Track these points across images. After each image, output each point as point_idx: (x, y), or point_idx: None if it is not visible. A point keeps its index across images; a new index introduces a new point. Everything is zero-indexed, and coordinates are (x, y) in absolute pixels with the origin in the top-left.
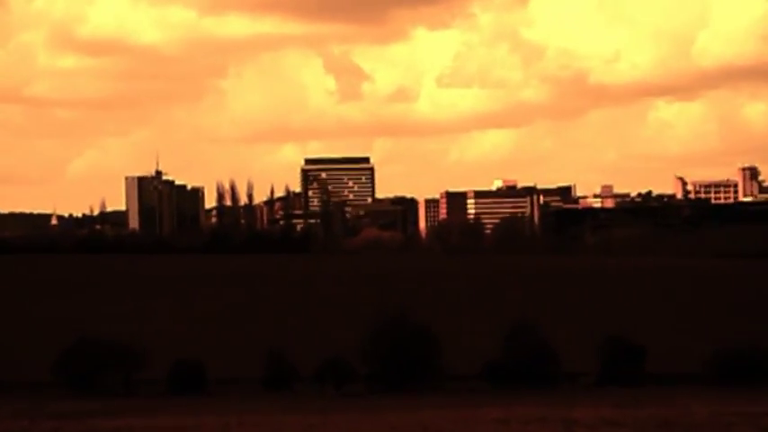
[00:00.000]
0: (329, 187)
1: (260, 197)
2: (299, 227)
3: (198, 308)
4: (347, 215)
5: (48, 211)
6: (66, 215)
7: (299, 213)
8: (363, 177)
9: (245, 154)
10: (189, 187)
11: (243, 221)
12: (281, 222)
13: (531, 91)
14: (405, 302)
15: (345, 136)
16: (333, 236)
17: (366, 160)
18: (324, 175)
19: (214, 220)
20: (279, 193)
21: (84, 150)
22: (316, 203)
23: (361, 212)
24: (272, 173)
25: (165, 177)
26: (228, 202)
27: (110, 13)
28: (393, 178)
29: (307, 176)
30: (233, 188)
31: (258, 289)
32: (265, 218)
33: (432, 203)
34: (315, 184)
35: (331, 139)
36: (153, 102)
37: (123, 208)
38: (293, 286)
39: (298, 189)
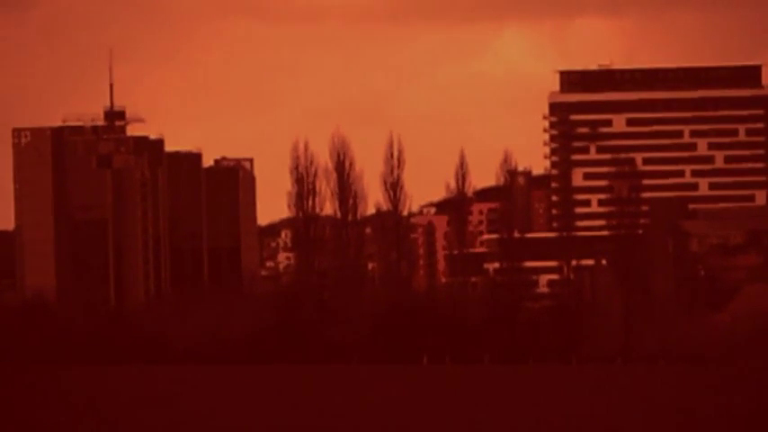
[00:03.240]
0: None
1: (422, 195)
2: (543, 283)
3: None
4: (691, 237)
5: None
6: None
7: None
8: (743, 130)
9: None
10: (215, 164)
11: (365, 270)
12: (495, 268)
13: None
14: None
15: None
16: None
17: (754, 75)
18: (619, 122)
19: (285, 260)
20: (485, 182)
21: None
22: (596, 208)
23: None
24: (467, 117)
25: (132, 132)
26: (322, 208)
27: None
28: None
29: (567, 126)
30: (340, 164)
31: None
32: (440, 252)
33: None
34: (593, 151)
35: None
36: None
37: (9, 227)
38: None
39: (542, 169)
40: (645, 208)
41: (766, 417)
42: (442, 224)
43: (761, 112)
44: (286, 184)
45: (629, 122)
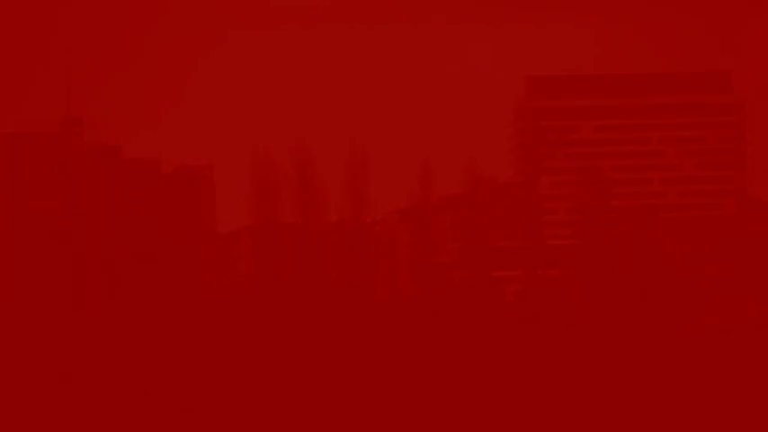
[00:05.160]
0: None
1: (386, 203)
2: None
3: None
4: (659, 246)
5: None
6: None
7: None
8: (712, 136)
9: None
10: (174, 171)
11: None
12: (460, 277)
13: None
14: None
15: None
16: None
17: (723, 81)
18: (587, 129)
19: (245, 268)
20: (450, 190)
21: None
22: (563, 216)
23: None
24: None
25: (90, 138)
26: (283, 216)
27: None
28: None
29: (534, 133)
30: (302, 171)
31: None
32: (403, 261)
33: None
34: (560, 158)
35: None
36: None
37: None
38: None
39: (507, 176)
40: (613, 216)
41: None
42: (405, 232)
43: (731, 118)
44: (246, 191)
45: (597, 129)
